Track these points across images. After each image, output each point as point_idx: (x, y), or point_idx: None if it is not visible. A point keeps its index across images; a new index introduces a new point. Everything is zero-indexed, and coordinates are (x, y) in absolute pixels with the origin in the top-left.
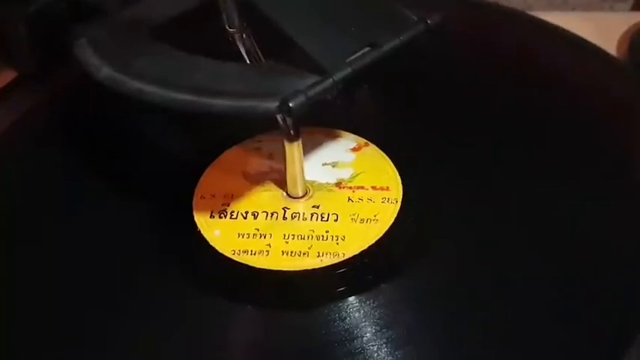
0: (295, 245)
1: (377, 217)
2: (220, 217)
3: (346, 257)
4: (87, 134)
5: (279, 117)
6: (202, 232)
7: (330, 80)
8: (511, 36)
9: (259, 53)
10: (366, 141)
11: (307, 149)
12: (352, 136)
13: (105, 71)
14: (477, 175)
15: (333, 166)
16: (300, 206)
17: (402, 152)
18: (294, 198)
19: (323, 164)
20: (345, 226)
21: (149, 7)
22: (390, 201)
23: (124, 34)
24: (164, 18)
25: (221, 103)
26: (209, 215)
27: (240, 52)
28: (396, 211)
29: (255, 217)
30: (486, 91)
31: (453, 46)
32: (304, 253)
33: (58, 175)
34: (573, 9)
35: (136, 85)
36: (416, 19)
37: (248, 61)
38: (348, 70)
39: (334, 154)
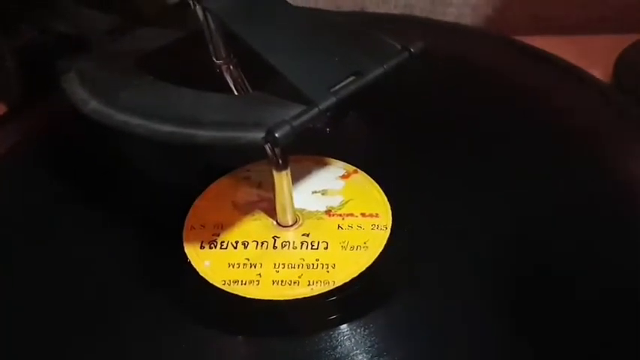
0: (286, 274)
1: (367, 244)
2: (210, 248)
3: (337, 285)
4: (75, 165)
5: (266, 147)
6: (192, 262)
7: (316, 110)
8: (496, 61)
9: (246, 83)
10: (355, 168)
11: (296, 177)
12: (341, 163)
13: (92, 104)
14: (467, 199)
15: (323, 194)
16: (290, 235)
17: (390, 178)
18: (284, 227)
19: (312, 192)
20: (335, 254)
21: (135, 39)
22: (379, 228)
23: (111, 66)
24: (150, 50)
25: (206, 134)
26: (199, 246)
27: (227, 82)
28: (386, 238)
29: (246, 247)
30: (473, 115)
31: (439, 72)
32: (295, 282)
33: (47, 206)
34: (558, 32)
35: (122, 117)
36: (399, 47)
37: (235, 92)
38: (333, 99)
39: (323, 182)
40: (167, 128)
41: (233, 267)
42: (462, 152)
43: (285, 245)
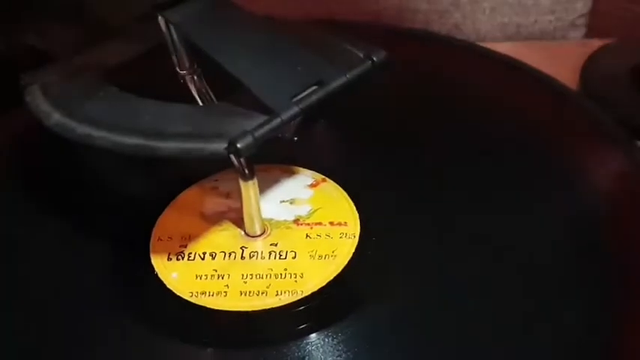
0: (253, 285)
1: (335, 253)
2: (178, 259)
3: (305, 295)
4: (40, 177)
5: (232, 157)
6: (159, 274)
7: (278, 120)
8: (464, 68)
9: (211, 94)
10: (323, 177)
11: (264, 187)
12: (309, 172)
13: (55, 117)
14: (436, 207)
15: (291, 203)
16: (258, 245)
17: (359, 187)
18: (252, 237)
19: (280, 201)
20: (303, 264)
21: (100, 53)
22: (347, 236)
23: (76, 79)
24: (116, 62)
25: (168, 145)
26: (166, 257)
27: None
28: (354, 246)
29: (213, 258)
30: (440, 123)
31: (405, 80)
32: (262, 293)
33: (11, 218)
34: (526, 38)
35: (85, 130)
36: (362, 56)
37: (200, 102)
38: (296, 109)
39: (292, 191)
40: (130, 140)
41: (200, 278)
42: (429, 160)
43: (253, 255)
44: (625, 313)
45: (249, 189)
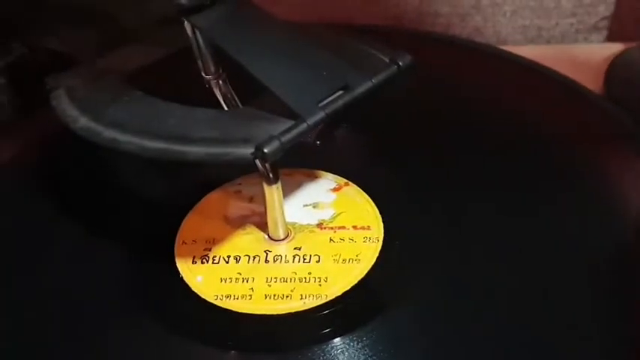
0: (278, 288)
1: (359, 257)
2: (202, 263)
3: (329, 299)
4: (65, 181)
5: (257, 161)
6: (184, 278)
7: (304, 125)
8: (486, 72)
9: (236, 99)
10: (346, 180)
11: (287, 191)
12: (332, 176)
13: (81, 122)
14: (458, 211)
15: (314, 207)
16: (282, 249)
17: (382, 191)
18: (276, 240)
19: (304, 205)
20: (327, 267)
21: (124, 56)
22: (371, 240)
23: (100, 83)
24: (140, 66)
25: (194, 150)
26: (191, 261)
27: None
28: (378, 250)
29: (237, 261)
30: (463, 127)
31: (428, 84)
32: (287, 296)
33: (38, 221)
34: (548, 42)
35: (111, 134)
36: (387, 61)
37: (225, 107)
38: (322, 114)
39: (315, 195)
40: (156, 145)
41: (225, 282)
42: (452, 164)
43: (277, 259)
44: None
45: (273, 193)
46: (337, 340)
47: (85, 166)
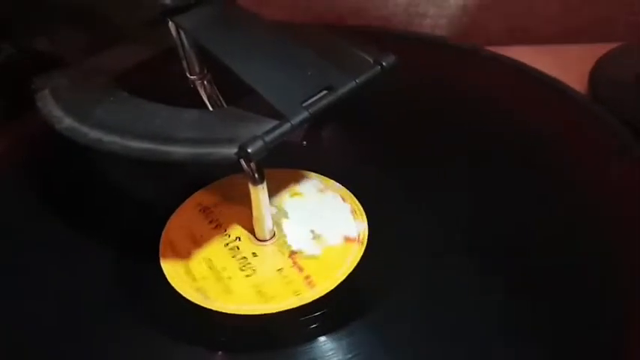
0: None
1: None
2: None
3: (314, 298)
4: (52, 181)
5: (242, 161)
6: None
7: (288, 124)
8: (472, 73)
9: (221, 99)
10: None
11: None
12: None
13: (66, 122)
14: (445, 210)
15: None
16: (268, 249)
17: (368, 190)
18: (262, 241)
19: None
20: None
21: (110, 57)
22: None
23: (86, 84)
24: (125, 67)
25: (179, 150)
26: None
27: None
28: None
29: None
30: (450, 127)
31: (414, 84)
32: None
33: (23, 222)
34: (534, 42)
35: (96, 134)
36: (371, 61)
37: (210, 107)
38: (305, 113)
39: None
40: (141, 145)
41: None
42: (438, 164)
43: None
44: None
45: (258, 193)
46: (323, 338)
47: (71, 167)
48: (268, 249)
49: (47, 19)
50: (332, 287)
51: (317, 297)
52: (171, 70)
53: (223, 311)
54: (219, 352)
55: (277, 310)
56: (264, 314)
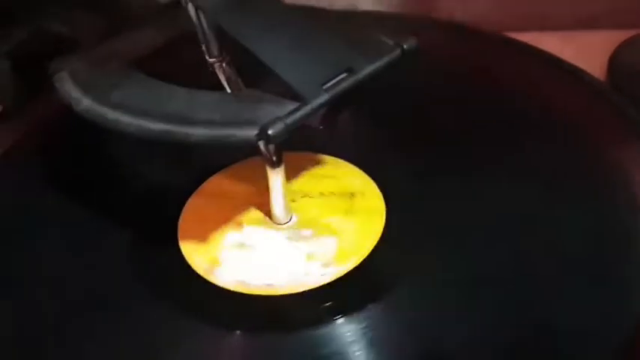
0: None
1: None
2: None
3: (334, 278)
4: (68, 164)
5: (260, 144)
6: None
7: (308, 107)
8: (489, 58)
9: (239, 81)
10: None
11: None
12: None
13: (85, 103)
14: (463, 195)
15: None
16: (285, 231)
17: (386, 174)
18: (279, 224)
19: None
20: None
21: (128, 39)
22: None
23: (103, 66)
24: (143, 49)
25: (198, 132)
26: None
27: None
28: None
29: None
30: (465, 113)
31: (431, 70)
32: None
33: (43, 204)
34: (552, 29)
35: (115, 116)
36: (392, 44)
37: (229, 90)
38: (326, 96)
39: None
40: (159, 126)
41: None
42: (455, 148)
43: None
44: None
45: (276, 176)
46: (341, 319)
47: (87, 151)
48: (285, 231)
49: (63, 3)
50: (351, 268)
51: (336, 277)
52: (190, 54)
53: (243, 292)
54: (237, 332)
55: (298, 291)
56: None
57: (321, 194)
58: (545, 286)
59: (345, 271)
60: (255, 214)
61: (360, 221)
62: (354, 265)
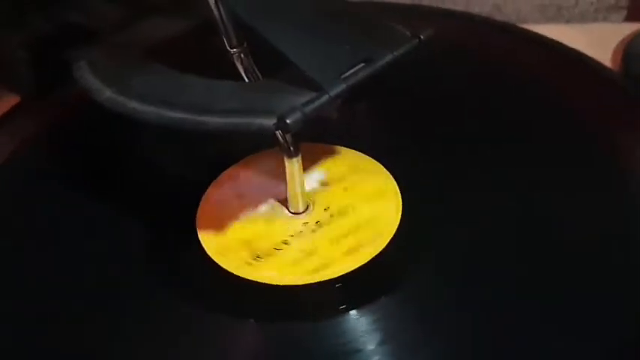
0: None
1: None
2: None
3: (350, 270)
4: (86, 154)
5: (278, 133)
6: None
7: (326, 96)
8: (505, 50)
9: (257, 71)
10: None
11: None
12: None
13: (107, 93)
14: (477, 184)
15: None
16: (302, 221)
17: (402, 165)
18: (296, 214)
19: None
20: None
21: (146, 29)
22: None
23: (122, 55)
24: (161, 39)
25: (216, 120)
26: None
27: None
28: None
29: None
30: (482, 104)
31: (448, 61)
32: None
33: (60, 195)
34: (567, 21)
35: (135, 105)
36: (409, 34)
37: (246, 80)
38: (343, 85)
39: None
40: (178, 115)
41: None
42: (471, 139)
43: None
44: None
45: (293, 166)
46: (354, 311)
47: (105, 140)
48: (303, 220)
49: None
50: (367, 260)
51: (354, 268)
52: (207, 43)
53: (262, 281)
54: (251, 321)
55: (318, 280)
56: (306, 284)
57: (338, 184)
58: (552, 284)
59: (363, 262)
60: (272, 203)
61: (376, 212)
62: (371, 257)
